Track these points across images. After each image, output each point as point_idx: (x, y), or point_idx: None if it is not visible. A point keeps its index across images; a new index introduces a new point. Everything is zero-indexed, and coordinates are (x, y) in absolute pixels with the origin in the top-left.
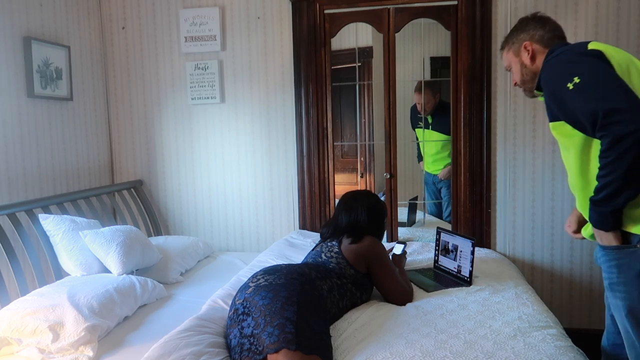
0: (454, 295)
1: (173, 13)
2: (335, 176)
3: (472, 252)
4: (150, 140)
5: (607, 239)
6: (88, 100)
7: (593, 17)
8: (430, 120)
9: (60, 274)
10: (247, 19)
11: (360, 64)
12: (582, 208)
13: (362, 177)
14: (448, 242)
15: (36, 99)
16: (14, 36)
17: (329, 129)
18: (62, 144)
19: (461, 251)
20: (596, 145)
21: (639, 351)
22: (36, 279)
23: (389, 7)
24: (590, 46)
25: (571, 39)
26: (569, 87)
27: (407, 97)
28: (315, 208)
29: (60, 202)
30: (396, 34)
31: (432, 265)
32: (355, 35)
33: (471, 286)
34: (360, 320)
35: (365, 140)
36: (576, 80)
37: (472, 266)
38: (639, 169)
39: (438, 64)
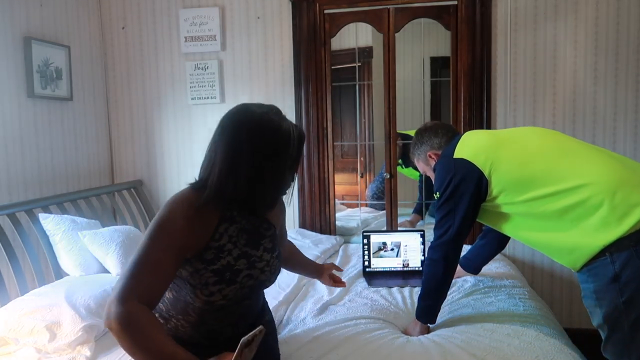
0: (450, 299)
1: (173, 13)
2: (335, 176)
3: (423, 242)
4: (150, 140)
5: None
6: (88, 100)
7: (593, 17)
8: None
9: (59, 274)
10: (247, 19)
11: (360, 64)
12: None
13: (362, 177)
14: (385, 243)
15: (36, 99)
16: (14, 36)
17: (329, 129)
18: (62, 144)
19: (406, 245)
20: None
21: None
22: (36, 279)
23: (389, 7)
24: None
25: (571, 38)
26: None
27: (407, 97)
28: (315, 208)
29: (60, 202)
30: (396, 34)
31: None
32: (355, 35)
33: (467, 285)
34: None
35: (365, 140)
36: None
37: (424, 254)
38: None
39: (438, 64)
